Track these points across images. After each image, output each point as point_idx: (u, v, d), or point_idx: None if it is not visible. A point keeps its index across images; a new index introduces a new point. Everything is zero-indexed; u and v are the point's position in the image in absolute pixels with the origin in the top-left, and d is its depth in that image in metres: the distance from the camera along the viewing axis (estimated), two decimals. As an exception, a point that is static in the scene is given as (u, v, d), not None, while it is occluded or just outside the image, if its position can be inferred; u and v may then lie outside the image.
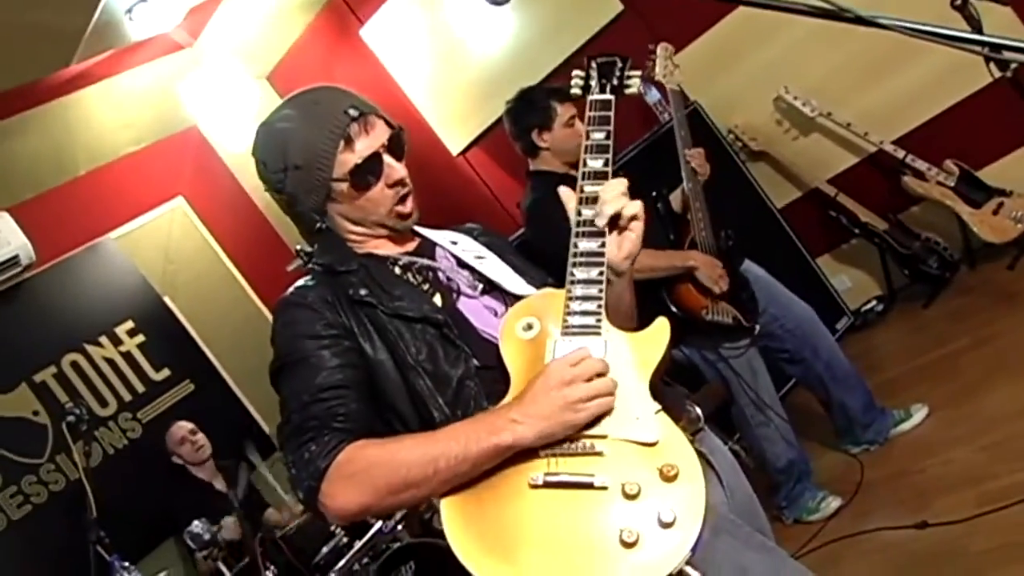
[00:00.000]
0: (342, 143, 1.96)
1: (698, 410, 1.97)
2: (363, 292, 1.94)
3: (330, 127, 1.97)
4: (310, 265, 2.07)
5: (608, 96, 2.07)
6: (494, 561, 1.59)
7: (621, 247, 1.88)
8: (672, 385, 2.04)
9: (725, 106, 5.34)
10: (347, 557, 3.81)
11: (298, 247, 2.14)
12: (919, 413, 4.12)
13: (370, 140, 1.98)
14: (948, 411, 4.05)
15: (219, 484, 5.46)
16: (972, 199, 4.76)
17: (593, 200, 1.90)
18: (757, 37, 5.06)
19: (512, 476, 1.67)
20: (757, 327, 4.00)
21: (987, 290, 4.78)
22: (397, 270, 2.04)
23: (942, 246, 5.03)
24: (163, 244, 6.62)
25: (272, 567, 4.08)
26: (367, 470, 1.72)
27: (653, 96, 5.48)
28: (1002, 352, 4.13)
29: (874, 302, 5.47)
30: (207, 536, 4.12)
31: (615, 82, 2.10)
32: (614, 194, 1.85)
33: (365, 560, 4.31)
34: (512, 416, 1.66)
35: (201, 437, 5.51)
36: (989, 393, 3.90)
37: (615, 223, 1.86)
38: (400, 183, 2.01)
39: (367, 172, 1.97)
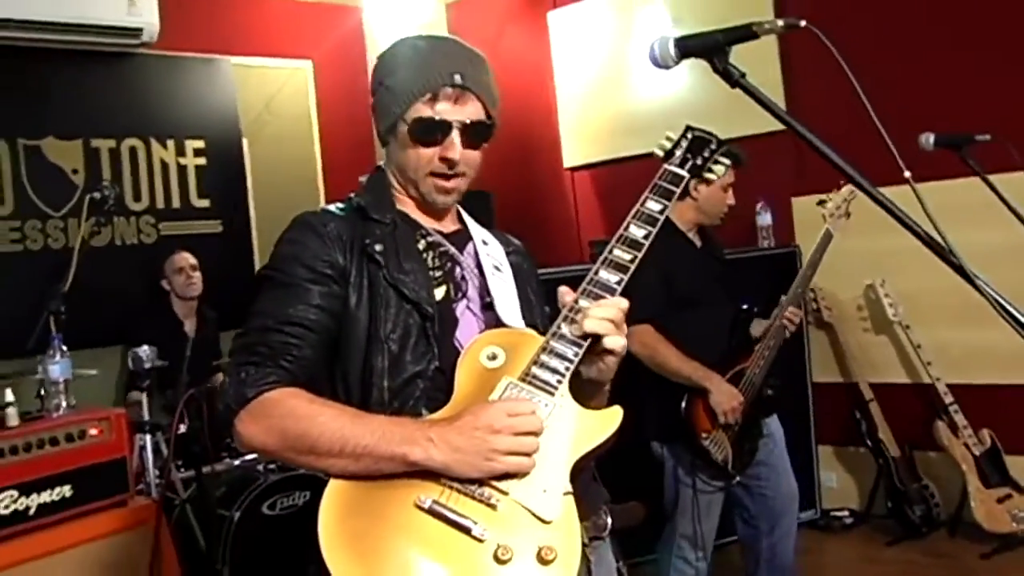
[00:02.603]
0: (429, 95, 1.93)
1: (609, 520, 1.94)
2: (378, 248, 1.91)
3: (431, 76, 1.95)
4: (352, 196, 2.06)
5: (683, 173, 2.03)
6: (349, 557, 1.57)
7: (590, 367, 1.83)
8: (598, 484, 2.01)
9: (826, 260, 5.28)
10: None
11: (381, 164, 2.12)
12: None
13: (453, 110, 1.95)
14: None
15: (188, 326, 5.50)
16: (987, 477, 4.69)
17: (615, 266, 1.85)
18: (890, 221, 4.98)
19: (403, 489, 1.65)
20: (738, 478, 3.95)
21: (952, 565, 4.69)
22: (421, 244, 2.00)
23: (935, 500, 4.96)
24: (271, 93, 6.69)
25: (186, 422, 4.10)
26: (283, 418, 1.72)
27: (765, 219, 5.45)
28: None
29: (847, 512, 5.38)
30: (147, 365, 4.13)
31: (699, 161, 2.06)
32: (603, 315, 1.78)
33: (272, 465, 4.35)
34: (430, 435, 1.63)
35: (198, 276, 5.57)
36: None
37: (595, 340, 1.79)
38: (450, 163, 1.95)
39: (428, 131, 1.94)
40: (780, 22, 1.76)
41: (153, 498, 3.83)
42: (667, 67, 1.90)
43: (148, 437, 4.20)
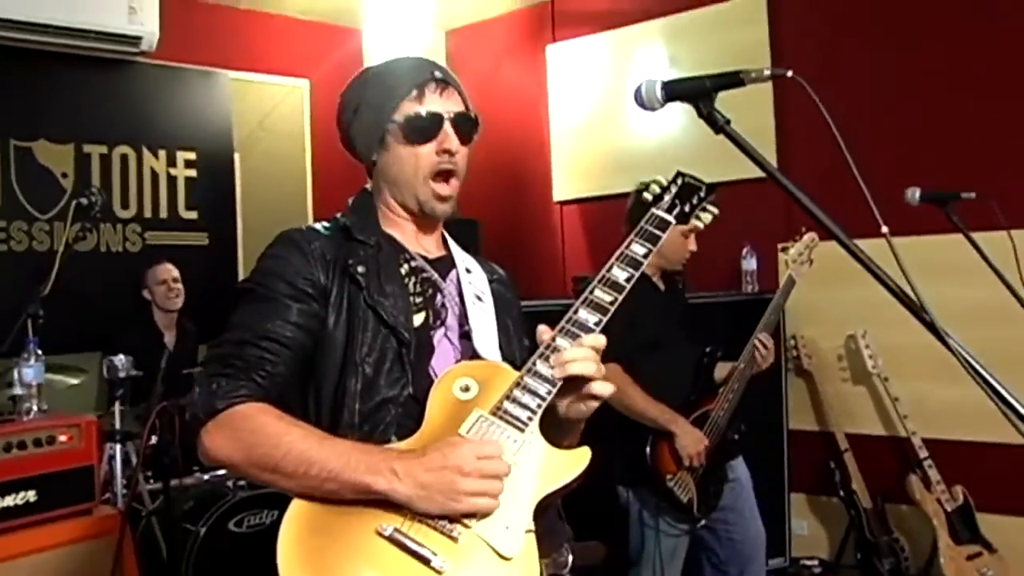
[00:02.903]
0: (415, 91, 1.95)
1: (570, 558, 1.93)
2: (360, 269, 1.91)
3: (410, 75, 1.98)
4: (338, 216, 2.06)
5: (670, 218, 2.01)
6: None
7: (568, 408, 1.84)
8: (563, 522, 2.00)
9: (803, 313, 5.30)
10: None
11: (368, 184, 2.13)
12: None
13: (441, 103, 1.97)
14: None
15: (168, 337, 5.49)
16: (958, 533, 4.68)
17: (594, 306, 1.85)
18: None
19: (366, 514, 1.64)
20: (703, 521, 3.94)
21: (915, 620, 4.67)
22: (404, 268, 2.00)
23: (905, 554, 4.95)
24: (266, 110, 6.71)
25: (157, 434, 4.08)
26: (250, 434, 1.71)
27: (750, 264, 5.47)
28: None
29: (816, 562, 5.37)
30: (122, 374, 4.11)
31: (686, 208, 2.05)
32: (583, 355, 1.78)
33: (241, 482, 4.33)
34: (396, 468, 1.62)
35: (180, 288, 5.57)
36: None
37: (574, 381, 1.79)
38: (449, 153, 1.96)
39: (423, 126, 1.95)
40: (767, 71, 1.77)
41: (119, 508, 3.80)
42: (652, 109, 1.91)
43: (118, 446, 4.18)
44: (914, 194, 3.59)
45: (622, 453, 3.88)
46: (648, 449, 3.85)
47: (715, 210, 2.11)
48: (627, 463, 3.90)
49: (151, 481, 4.50)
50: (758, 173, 1.76)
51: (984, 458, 4.79)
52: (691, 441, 3.82)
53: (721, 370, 4.12)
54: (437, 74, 1.99)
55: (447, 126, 1.96)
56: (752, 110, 5.25)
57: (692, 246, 4.01)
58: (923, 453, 4.77)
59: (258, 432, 1.71)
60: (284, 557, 1.59)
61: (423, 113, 1.95)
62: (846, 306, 5.14)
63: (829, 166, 1.73)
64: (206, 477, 4.53)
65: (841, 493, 5.10)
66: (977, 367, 1.66)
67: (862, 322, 5.07)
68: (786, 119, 5.46)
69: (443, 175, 1.98)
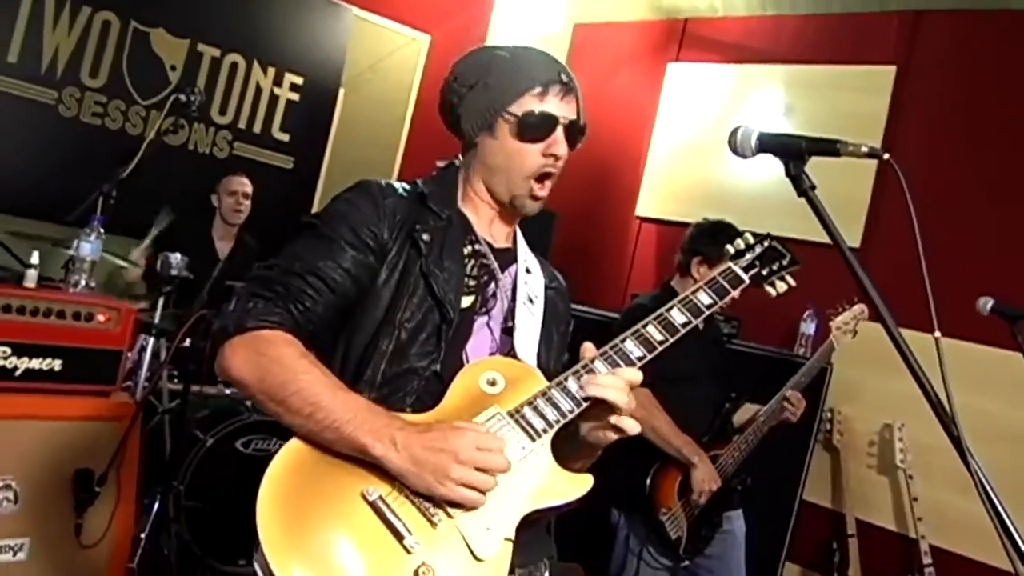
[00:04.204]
0: (539, 88, 1.96)
1: (547, 574, 1.93)
2: (425, 237, 1.92)
3: (538, 71, 1.98)
4: (418, 181, 2.07)
5: (745, 278, 2.03)
6: (279, 513, 1.59)
7: (590, 433, 1.84)
8: (549, 537, 2.00)
9: (847, 390, 5.22)
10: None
11: (459, 158, 2.13)
12: None
13: (560, 106, 1.97)
14: None
15: (223, 247, 5.53)
16: (939, 650, 4.60)
17: (643, 341, 1.86)
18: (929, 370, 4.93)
19: (357, 474, 1.65)
20: (687, 562, 3.92)
21: None
22: (467, 249, 2.00)
23: (883, 656, 4.88)
24: (381, 55, 6.74)
25: (190, 339, 4.15)
26: (270, 361, 1.72)
27: (809, 328, 5.40)
28: None
29: (794, 637, 5.31)
30: (174, 272, 4.16)
31: (764, 272, 2.06)
32: (617, 384, 1.77)
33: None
34: (396, 437, 1.63)
35: (247, 204, 5.60)
36: None
37: (601, 407, 1.78)
38: (555, 158, 1.97)
39: (537, 125, 1.95)
40: (864, 148, 1.77)
41: (136, 398, 3.86)
42: (743, 156, 1.92)
43: (152, 340, 4.24)
44: (986, 304, 3.55)
45: (623, 477, 3.87)
46: (650, 479, 3.85)
47: (792, 282, 2.10)
48: (626, 487, 3.90)
49: (174, 381, 4.57)
50: (825, 242, 1.75)
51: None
52: (708, 476, 3.82)
53: (746, 412, 4.11)
54: (563, 77, 1.99)
55: (560, 131, 1.97)
56: (851, 179, 5.17)
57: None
58: (927, 559, 4.69)
59: (277, 361, 1.72)
60: (266, 488, 1.61)
61: (541, 112, 1.95)
62: (891, 394, 5.05)
63: (912, 253, 1.70)
64: (228, 391, 4.59)
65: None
66: (990, 492, 1.64)
67: (902, 414, 4.98)
68: (882, 197, 5.37)
69: (543, 177, 1.99)
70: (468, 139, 2.06)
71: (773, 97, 6.09)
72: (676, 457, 3.85)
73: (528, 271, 2.11)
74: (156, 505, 4.10)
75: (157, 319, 4.24)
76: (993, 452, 4.19)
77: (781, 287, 2.09)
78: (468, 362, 1.91)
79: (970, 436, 1.62)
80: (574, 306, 4.61)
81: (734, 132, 1.89)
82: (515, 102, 1.96)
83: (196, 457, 4.21)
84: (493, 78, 2.00)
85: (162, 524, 4.12)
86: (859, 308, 4.07)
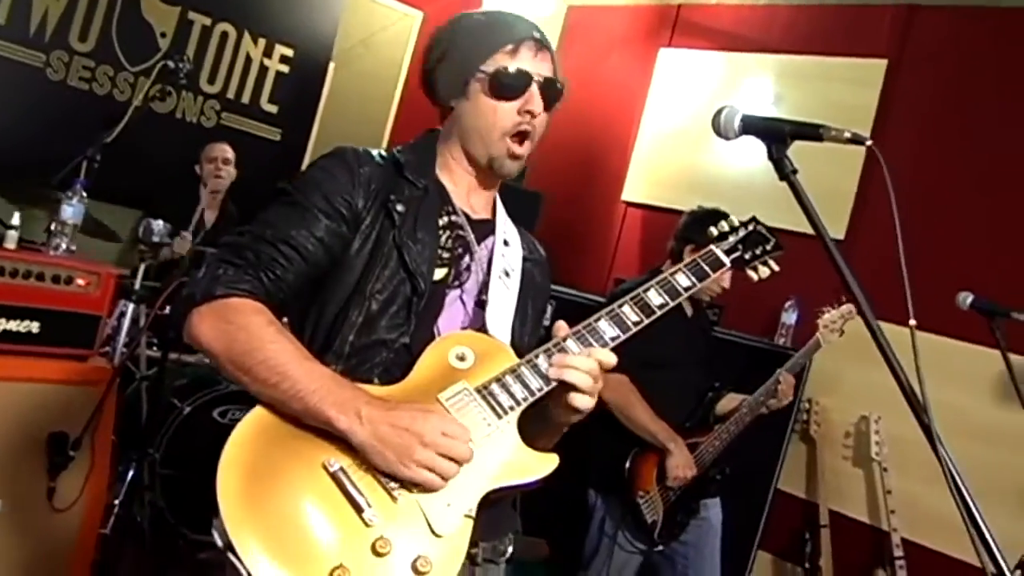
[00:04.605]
0: (510, 46, 1.94)
1: (510, 548, 1.92)
2: (399, 208, 1.89)
3: (509, 29, 1.97)
4: (396, 150, 2.04)
5: (726, 260, 2.01)
6: (238, 479, 1.58)
7: (555, 411, 1.83)
8: (515, 512, 2.00)
9: (825, 381, 5.23)
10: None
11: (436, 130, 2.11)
12: None
13: (533, 63, 1.95)
14: None
15: (209, 215, 5.51)
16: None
17: (618, 321, 1.85)
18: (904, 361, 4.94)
19: (320, 445, 1.64)
20: (661, 547, 3.94)
21: None
22: (443, 220, 1.97)
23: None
24: (373, 29, 6.71)
25: (170, 306, 4.13)
26: (237, 329, 1.70)
27: (790, 318, 5.41)
28: None
29: (764, 624, 5.34)
30: (156, 239, 4.14)
31: (747, 256, 2.04)
32: (586, 366, 1.76)
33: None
34: (362, 411, 1.62)
35: (229, 171, 5.59)
36: None
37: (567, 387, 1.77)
38: (531, 115, 1.94)
39: (510, 82, 1.93)
40: (847, 133, 1.76)
41: (113, 364, 3.84)
42: (726, 138, 1.90)
43: (131, 306, 4.22)
44: (966, 299, 3.55)
45: (602, 458, 3.89)
46: (629, 462, 3.86)
47: (775, 267, 2.09)
48: (605, 469, 3.92)
49: (153, 348, 4.56)
50: (811, 233, 1.74)
51: (957, 575, 4.73)
52: (683, 462, 3.83)
53: (731, 401, 4.12)
54: (536, 34, 1.98)
55: (534, 87, 1.94)
56: (838, 170, 5.17)
57: (726, 283, 3.98)
58: (898, 552, 4.72)
59: (244, 329, 1.70)
60: (228, 453, 1.60)
61: (514, 69, 1.93)
62: (869, 386, 5.07)
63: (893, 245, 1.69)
64: (208, 360, 4.55)
65: (807, 565, 5.06)
66: (959, 482, 1.65)
67: (880, 406, 5.00)
68: (868, 189, 5.38)
69: (520, 135, 1.96)
70: (445, 106, 2.04)
71: (763, 86, 6.10)
72: (652, 443, 3.86)
73: (506, 243, 2.07)
74: (131, 472, 4.09)
75: (137, 284, 4.22)
76: (968, 449, 4.23)
77: (764, 272, 2.07)
78: (439, 336, 1.89)
79: (946, 432, 1.63)
80: (558, 287, 4.63)
81: (718, 113, 1.87)
82: (487, 61, 1.94)
83: (173, 425, 4.20)
84: (464, 40, 1.99)
85: (136, 491, 4.11)
86: (847, 308, 4.06)
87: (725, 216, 3.94)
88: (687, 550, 4.02)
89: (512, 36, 1.95)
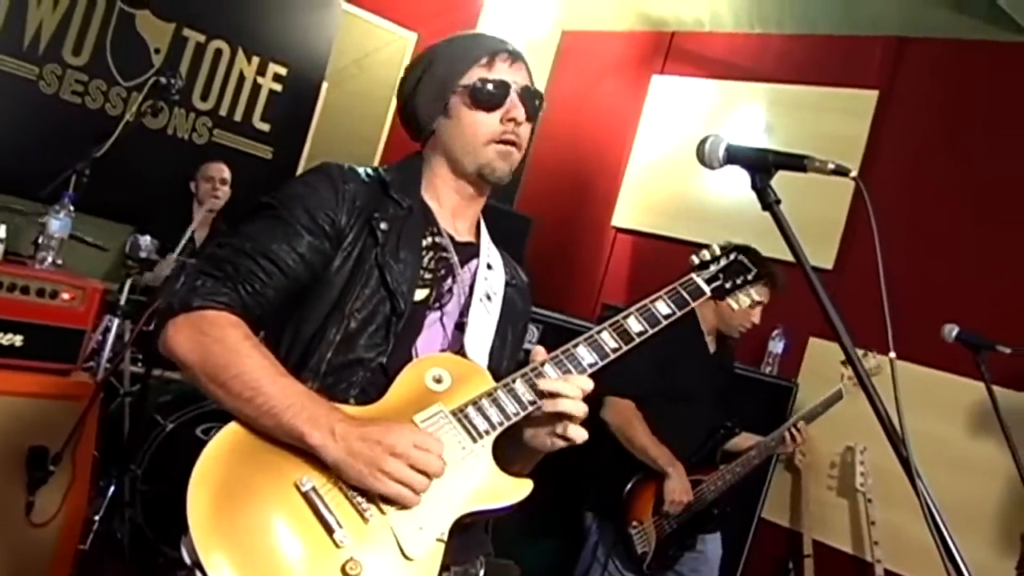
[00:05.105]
0: (485, 58, 1.95)
1: (481, 572, 1.91)
2: (383, 227, 1.88)
3: (482, 44, 1.99)
4: (382, 169, 2.04)
5: (706, 289, 1.98)
6: (211, 501, 1.57)
7: (534, 437, 1.82)
8: (486, 535, 1.98)
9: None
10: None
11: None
12: None
13: (510, 73, 1.96)
14: None
15: (200, 234, 5.50)
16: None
17: (596, 348, 1.83)
18: (890, 393, 4.95)
19: (293, 463, 1.63)
20: (649, 577, 3.96)
21: None
22: (426, 241, 1.95)
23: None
24: (367, 50, 6.72)
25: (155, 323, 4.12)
26: (213, 343, 1.69)
27: (777, 347, 5.41)
28: None
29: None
30: (143, 255, 4.13)
31: (727, 285, 2.01)
32: (574, 394, 1.76)
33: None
34: (335, 428, 1.61)
35: (225, 191, 5.57)
36: None
37: (556, 415, 1.76)
38: (515, 122, 1.94)
39: (491, 93, 1.93)
40: (831, 164, 1.77)
41: (96, 379, 3.83)
42: (711, 167, 1.91)
43: (116, 321, 4.21)
44: (951, 331, 3.56)
45: (603, 483, 3.91)
46: (627, 489, 3.87)
47: (757, 297, 2.10)
48: (604, 495, 3.94)
49: (138, 364, 4.54)
50: (812, 261, 1.74)
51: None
52: (680, 488, 3.84)
53: (745, 440, 4.14)
54: (509, 47, 1.99)
55: (514, 96, 1.95)
56: (827, 200, 5.18)
57: (755, 318, 4.00)
58: (882, 584, 4.72)
59: (220, 343, 1.69)
60: (199, 469, 1.60)
61: (492, 80, 1.93)
62: (856, 417, 5.01)
63: (884, 278, 1.69)
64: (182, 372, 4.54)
65: (789, 595, 5.06)
66: (936, 515, 1.64)
67: (865, 437, 5.00)
68: (857, 219, 5.39)
69: (504, 144, 1.95)
70: (426, 129, 2.03)
71: (755, 115, 6.12)
72: (652, 467, 3.86)
73: (489, 267, 2.06)
74: (112, 488, 4.06)
75: (123, 300, 4.21)
76: (948, 479, 4.23)
77: (743, 300, 2.07)
78: (416, 357, 1.87)
79: (928, 464, 1.63)
80: (546, 312, 4.62)
81: (702, 142, 1.88)
82: (463, 76, 1.94)
83: (155, 442, 4.18)
84: (439, 61, 1.99)
85: (116, 507, 4.09)
86: (876, 363, 4.05)
87: (755, 252, 3.98)
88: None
89: (486, 49, 1.97)
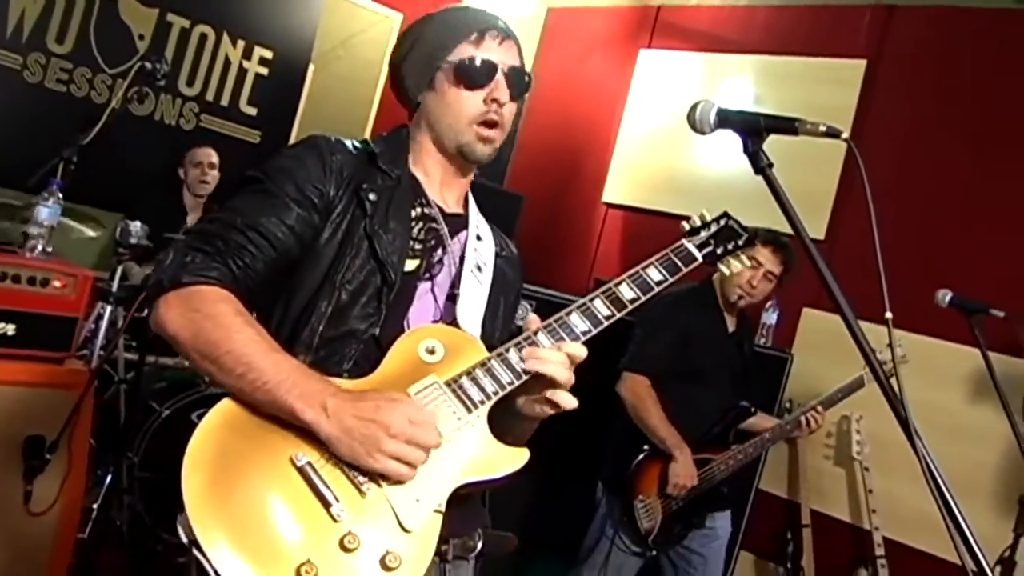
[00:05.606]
0: (475, 35, 1.93)
1: (479, 544, 1.91)
2: (371, 197, 1.88)
3: (473, 20, 1.97)
4: (369, 140, 2.03)
5: (697, 255, 1.97)
6: (206, 479, 1.56)
7: (526, 405, 1.82)
8: (483, 507, 1.98)
9: (806, 381, 5.21)
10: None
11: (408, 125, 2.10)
12: None
13: (498, 51, 1.95)
14: None
15: (191, 218, 5.49)
16: (889, 639, 4.63)
17: (589, 315, 1.82)
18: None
19: (287, 438, 1.62)
20: (653, 552, 3.96)
21: None
22: (415, 212, 1.95)
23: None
24: (352, 31, 6.69)
25: (148, 310, 4.10)
26: (204, 319, 1.67)
27: (771, 318, 5.41)
28: None
29: (746, 624, 5.34)
30: (134, 240, 4.11)
31: (718, 251, 2.00)
32: (558, 359, 1.74)
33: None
34: (327, 403, 1.60)
35: (213, 175, 5.58)
36: None
37: (540, 381, 1.76)
38: (498, 104, 1.93)
39: (476, 71, 1.92)
40: (822, 127, 1.77)
41: (90, 366, 3.81)
42: (702, 132, 1.90)
43: (109, 308, 4.19)
44: (945, 296, 3.57)
45: (617, 457, 3.93)
46: (634, 464, 3.88)
47: (747, 262, 2.08)
48: (616, 468, 3.95)
49: (131, 351, 4.52)
50: (790, 233, 1.73)
51: (938, 574, 4.73)
52: (684, 472, 3.85)
53: (762, 421, 4.15)
54: (500, 24, 1.97)
55: (500, 76, 1.94)
56: (817, 171, 5.18)
57: (756, 282, 3.99)
58: (880, 551, 4.72)
59: (211, 318, 1.67)
60: (193, 446, 1.59)
61: (479, 59, 1.92)
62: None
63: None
64: (187, 363, 4.52)
65: (789, 565, 5.06)
66: (936, 475, 1.64)
67: (861, 406, 4.99)
68: (848, 190, 5.39)
69: (488, 124, 1.94)
70: (413, 101, 2.03)
71: (743, 87, 6.12)
72: (660, 448, 3.88)
73: (479, 238, 2.06)
74: (109, 476, 4.06)
75: (115, 287, 4.19)
76: (947, 446, 4.23)
77: (735, 266, 2.05)
78: (409, 328, 1.87)
79: (926, 431, 1.62)
80: (538, 288, 4.61)
81: (693, 108, 1.87)
82: (451, 51, 1.93)
83: (151, 428, 4.18)
84: (429, 33, 1.98)
85: (114, 494, 4.08)
86: (901, 352, 4.02)
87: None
88: (695, 558, 4.08)
89: (476, 26, 1.95)
